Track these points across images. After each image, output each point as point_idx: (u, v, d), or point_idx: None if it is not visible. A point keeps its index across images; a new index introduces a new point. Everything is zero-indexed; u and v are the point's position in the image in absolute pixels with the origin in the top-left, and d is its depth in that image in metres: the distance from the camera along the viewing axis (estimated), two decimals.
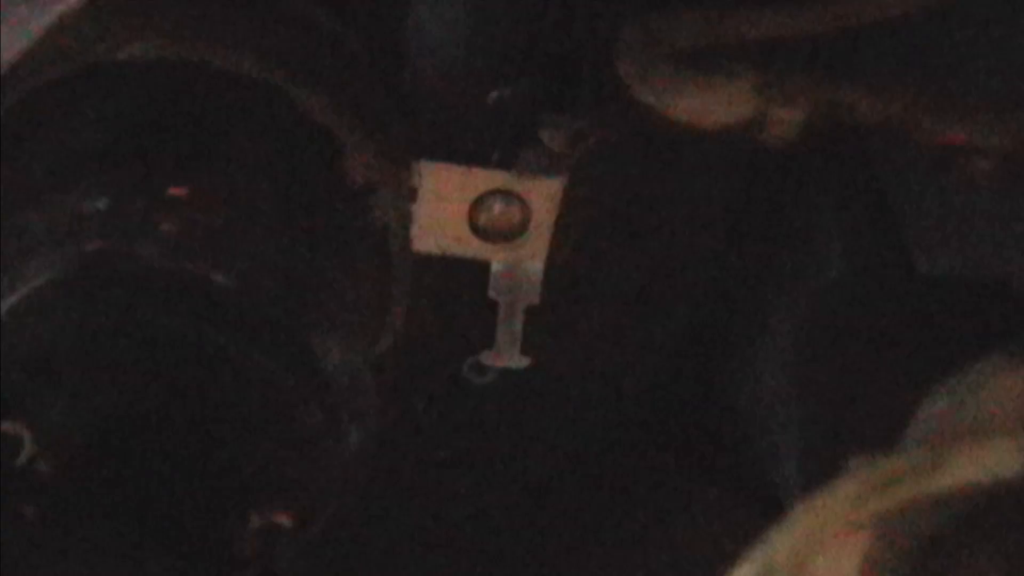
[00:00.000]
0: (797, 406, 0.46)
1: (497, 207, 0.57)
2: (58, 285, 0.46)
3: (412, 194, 0.56)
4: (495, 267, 0.58)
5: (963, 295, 0.43)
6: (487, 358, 0.59)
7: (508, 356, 0.59)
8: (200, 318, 0.45)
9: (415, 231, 0.56)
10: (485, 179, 0.56)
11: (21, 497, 0.45)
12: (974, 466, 0.37)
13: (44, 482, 0.45)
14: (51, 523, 0.45)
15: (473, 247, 0.58)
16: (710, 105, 0.39)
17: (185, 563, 0.45)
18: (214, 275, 0.46)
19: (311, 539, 0.48)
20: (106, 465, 0.44)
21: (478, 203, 0.57)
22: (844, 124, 0.38)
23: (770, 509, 0.67)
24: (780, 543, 0.37)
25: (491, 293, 0.58)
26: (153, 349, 0.45)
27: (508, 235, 0.58)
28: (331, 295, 0.48)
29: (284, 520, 0.47)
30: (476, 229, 0.58)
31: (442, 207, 0.57)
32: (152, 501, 0.45)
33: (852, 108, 0.38)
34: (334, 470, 0.48)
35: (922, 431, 0.39)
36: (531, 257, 0.58)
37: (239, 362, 0.45)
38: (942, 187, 0.50)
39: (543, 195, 0.56)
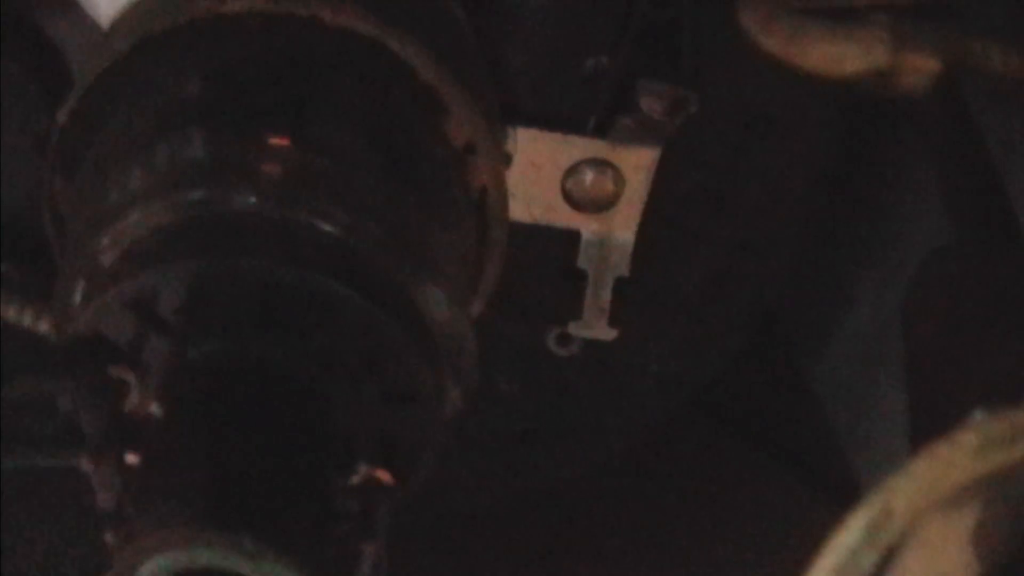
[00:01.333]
0: (906, 377, 0.45)
1: (590, 176, 0.57)
2: (161, 234, 0.46)
3: (507, 161, 0.56)
4: (586, 237, 0.58)
5: None
6: (575, 328, 0.59)
7: (596, 327, 0.59)
8: (303, 265, 0.45)
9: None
10: (580, 147, 0.56)
11: (127, 444, 0.45)
12: None
13: (150, 429, 0.45)
14: (155, 470, 0.45)
15: (565, 216, 0.57)
16: (845, 52, 0.39)
17: (287, 515, 0.44)
18: (318, 222, 0.46)
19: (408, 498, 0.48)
20: (211, 413, 0.44)
21: (571, 171, 0.57)
22: (975, 75, 0.38)
23: (844, 496, 0.67)
24: (900, 489, 0.37)
25: (580, 263, 0.58)
26: (256, 296, 0.45)
27: (600, 205, 0.57)
28: (435, 252, 0.48)
29: (384, 477, 0.47)
30: (569, 198, 0.57)
31: (536, 175, 0.56)
32: (255, 451, 0.45)
33: (984, 58, 0.38)
34: (435, 429, 0.47)
35: None
36: (622, 228, 0.57)
37: (347, 312, 0.45)
38: None
39: (637, 165, 0.56)
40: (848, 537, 0.36)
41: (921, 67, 0.39)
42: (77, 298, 0.47)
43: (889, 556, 0.37)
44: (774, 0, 0.40)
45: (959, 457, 0.36)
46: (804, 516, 0.62)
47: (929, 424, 0.43)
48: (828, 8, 0.40)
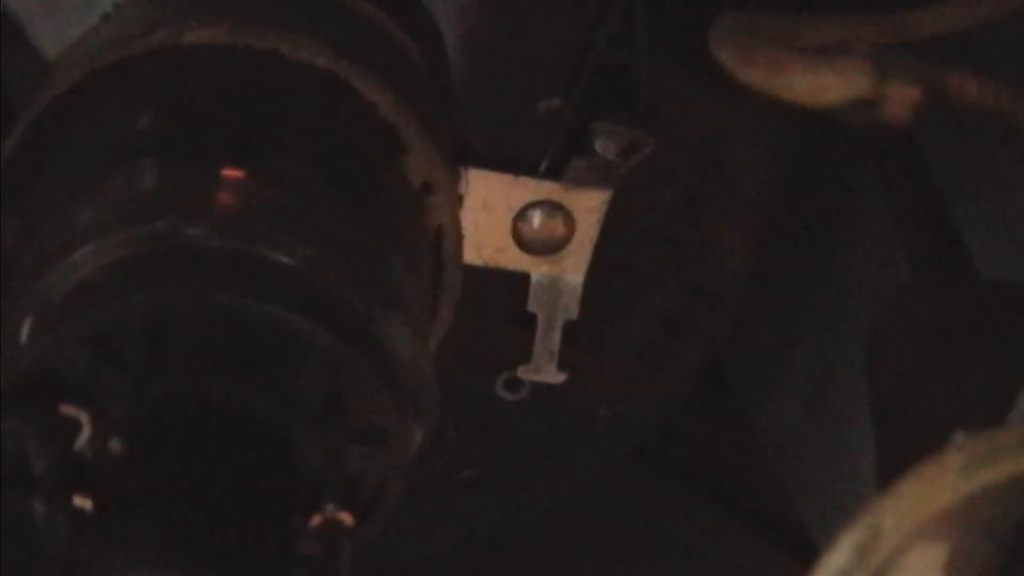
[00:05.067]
0: (873, 415, 0.46)
1: (540, 218, 0.57)
2: (115, 267, 0.45)
3: (459, 202, 0.55)
4: (535, 280, 0.58)
5: None
6: (524, 372, 0.59)
7: (545, 371, 0.58)
8: (265, 299, 0.43)
9: None
10: (532, 189, 0.56)
11: (78, 486, 0.43)
12: None
13: (106, 469, 0.43)
14: (108, 514, 0.43)
15: (515, 259, 0.57)
16: (827, 82, 0.39)
17: (247, 559, 0.43)
18: (277, 255, 0.45)
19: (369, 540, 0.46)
20: (172, 452, 0.43)
21: (522, 213, 0.57)
22: (951, 107, 0.39)
23: (789, 541, 0.67)
24: (887, 509, 0.37)
25: (530, 307, 0.58)
26: (217, 331, 0.43)
27: (551, 247, 0.57)
28: (398, 288, 0.47)
29: (346, 519, 0.45)
30: (519, 240, 0.57)
31: (487, 216, 0.56)
32: (218, 493, 0.43)
33: (960, 91, 0.39)
34: (400, 470, 0.46)
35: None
36: (572, 270, 0.57)
37: (311, 347, 0.43)
38: (999, 193, 0.51)
39: (589, 207, 0.56)
40: (838, 558, 0.36)
41: (904, 96, 0.39)
42: (24, 335, 0.46)
43: None
44: (750, 32, 0.41)
45: (945, 476, 0.36)
46: (749, 561, 0.62)
47: (900, 461, 0.43)
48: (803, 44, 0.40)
